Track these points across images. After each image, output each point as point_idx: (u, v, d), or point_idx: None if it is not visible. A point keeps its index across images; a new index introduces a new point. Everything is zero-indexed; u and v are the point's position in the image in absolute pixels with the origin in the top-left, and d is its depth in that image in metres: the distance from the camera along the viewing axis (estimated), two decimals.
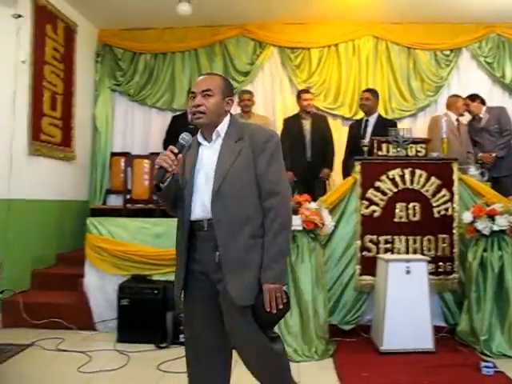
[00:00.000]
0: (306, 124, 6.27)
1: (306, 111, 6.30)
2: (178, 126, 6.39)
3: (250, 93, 6.57)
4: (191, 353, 2.44)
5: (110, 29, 7.38)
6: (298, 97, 6.42)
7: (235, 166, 2.30)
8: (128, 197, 6.15)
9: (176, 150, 2.29)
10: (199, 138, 2.44)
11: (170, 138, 6.41)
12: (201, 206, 2.33)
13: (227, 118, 2.44)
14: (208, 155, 2.39)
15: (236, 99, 6.83)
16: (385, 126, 5.65)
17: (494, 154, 6.03)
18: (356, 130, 6.15)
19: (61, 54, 6.24)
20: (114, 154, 7.27)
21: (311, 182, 6.00)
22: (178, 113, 6.90)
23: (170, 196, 2.40)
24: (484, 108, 6.33)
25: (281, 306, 2.27)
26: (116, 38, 7.41)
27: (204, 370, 2.41)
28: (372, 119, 6.20)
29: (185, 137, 2.34)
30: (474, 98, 6.39)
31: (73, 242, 6.31)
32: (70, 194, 6.57)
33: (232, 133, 2.39)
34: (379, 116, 6.31)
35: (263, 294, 2.25)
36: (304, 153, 6.08)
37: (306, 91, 6.46)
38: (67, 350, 4.31)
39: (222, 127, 2.40)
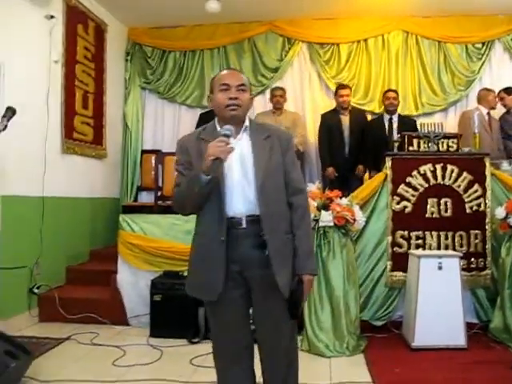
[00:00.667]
0: (345, 120, 6.28)
1: (343, 107, 6.30)
2: (207, 122, 6.42)
3: (282, 89, 6.58)
4: (223, 351, 2.43)
5: (139, 27, 7.46)
6: (336, 92, 6.43)
7: (271, 164, 2.31)
8: (159, 194, 6.21)
9: (229, 141, 2.19)
10: (224, 130, 2.26)
11: None
12: (243, 201, 2.28)
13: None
14: (239, 148, 2.31)
15: (267, 96, 6.87)
16: (406, 124, 5.68)
17: None
18: (377, 128, 6.14)
19: (92, 54, 6.34)
20: (144, 152, 7.37)
21: (349, 178, 6.00)
22: (206, 110, 6.92)
23: (211, 189, 2.24)
24: None
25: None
26: (145, 37, 7.49)
27: (237, 367, 2.40)
28: (395, 117, 6.31)
29: (230, 128, 2.24)
30: (509, 91, 6.28)
31: (105, 238, 6.42)
32: (102, 191, 6.68)
33: (256, 129, 2.41)
34: (399, 115, 6.41)
35: (304, 285, 2.29)
36: (343, 148, 6.07)
37: (344, 87, 6.46)
38: (102, 345, 4.39)
39: (247, 123, 2.42)
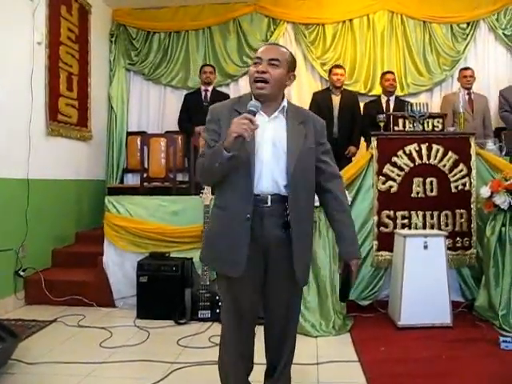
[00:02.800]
0: (335, 100, 6.28)
1: (335, 86, 6.30)
2: (191, 103, 6.43)
3: None
4: (235, 321, 2.40)
5: (123, 8, 7.39)
6: (330, 72, 6.42)
7: (304, 148, 2.29)
8: (145, 175, 6.18)
9: (254, 119, 2.10)
10: (260, 109, 2.21)
11: (184, 116, 6.44)
12: (270, 180, 2.25)
13: (285, 96, 2.38)
14: (272, 129, 2.29)
15: (248, 78, 6.81)
16: (403, 106, 5.69)
17: None
18: (374, 109, 6.13)
19: (75, 35, 6.25)
20: (129, 134, 7.34)
21: (337, 158, 5.99)
22: (191, 91, 6.91)
23: (232, 167, 2.21)
24: None
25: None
26: (130, 18, 7.43)
27: (245, 336, 2.44)
28: (392, 99, 6.37)
29: (256, 104, 2.16)
30: None
31: (91, 220, 6.40)
32: (88, 173, 6.64)
33: (294, 113, 2.35)
34: (397, 97, 6.46)
35: (352, 267, 2.36)
36: (331, 128, 6.06)
37: (338, 66, 6.44)
38: (89, 326, 4.40)
39: (285, 105, 2.33)
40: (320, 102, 6.19)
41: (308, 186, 2.33)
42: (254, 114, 2.14)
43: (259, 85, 2.23)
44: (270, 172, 2.26)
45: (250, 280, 2.30)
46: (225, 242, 2.29)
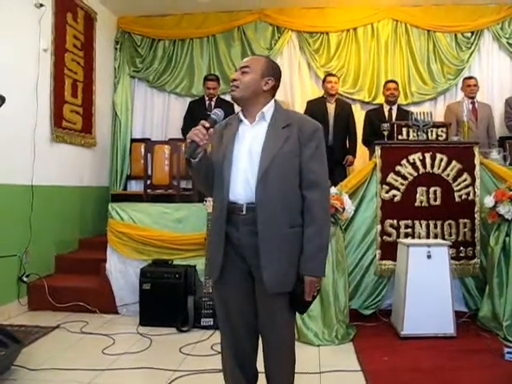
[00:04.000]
0: (330, 108, 6.30)
1: (330, 94, 6.32)
2: (195, 111, 6.44)
3: None
4: (227, 328, 2.44)
5: (128, 16, 7.42)
6: (324, 80, 6.44)
7: (282, 152, 2.26)
8: (148, 182, 6.20)
9: (207, 125, 2.23)
10: (241, 115, 2.40)
11: (188, 123, 6.45)
12: (243, 187, 2.28)
13: (272, 103, 2.40)
14: (251, 135, 2.34)
15: None
16: (405, 115, 5.73)
17: None
18: (376, 118, 6.14)
19: (81, 42, 6.29)
20: (133, 140, 7.35)
21: (331, 167, 6.00)
22: (195, 98, 6.92)
23: (201, 172, 2.34)
24: None
25: (315, 294, 2.33)
26: (135, 25, 7.45)
27: (239, 344, 2.44)
28: (394, 108, 6.37)
29: (217, 112, 2.30)
30: None
31: (94, 227, 6.41)
32: (91, 180, 6.65)
33: (279, 118, 2.35)
34: (399, 106, 6.47)
35: (304, 285, 2.26)
36: (326, 136, 6.05)
37: (332, 74, 6.49)
38: (91, 333, 4.39)
39: (268, 110, 2.37)
40: (315, 110, 6.18)
41: (286, 190, 2.27)
42: (215, 121, 2.28)
43: (231, 89, 2.39)
44: (245, 180, 2.29)
45: (236, 287, 2.36)
46: (211, 247, 2.44)
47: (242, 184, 2.28)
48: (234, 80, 2.36)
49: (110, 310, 5.00)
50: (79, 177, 6.28)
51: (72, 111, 6.06)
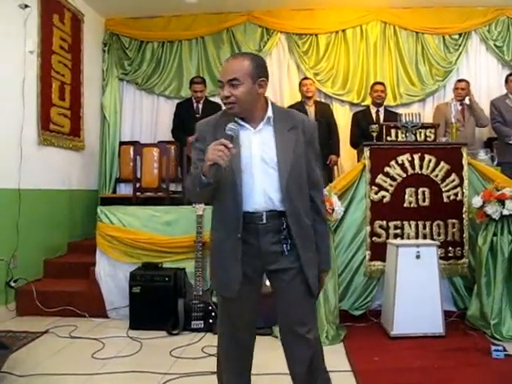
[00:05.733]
0: (310, 111, 6.32)
1: (307, 97, 6.38)
2: (184, 113, 6.44)
3: None
4: (229, 337, 2.43)
5: (116, 18, 7.39)
6: (300, 84, 6.53)
7: (295, 157, 2.23)
8: (137, 185, 6.18)
9: (231, 145, 2.06)
10: (240, 121, 2.25)
11: (177, 126, 6.45)
12: (263, 197, 2.22)
13: (269, 102, 2.31)
14: (259, 142, 2.25)
15: None
16: (392, 116, 5.76)
17: None
18: (363, 120, 6.16)
19: (68, 44, 6.25)
20: (122, 143, 7.33)
21: None
22: (182, 100, 6.92)
23: (210, 193, 2.25)
24: None
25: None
26: (123, 27, 7.42)
27: (239, 352, 2.44)
28: (381, 109, 6.41)
29: (233, 127, 2.13)
30: None
31: (83, 230, 6.38)
32: (80, 183, 6.62)
33: (281, 119, 2.28)
34: (386, 108, 6.49)
35: (321, 278, 2.39)
36: None
37: (306, 78, 6.61)
38: (81, 337, 4.36)
39: (270, 113, 2.27)
40: None
41: (303, 194, 2.29)
42: (232, 137, 2.12)
43: (228, 107, 2.23)
44: (262, 188, 2.22)
45: (245, 300, 2.31)
46: (219, 262, 2.31)
47: (261, 193, 2.22)
48: (227, 97, 2.20)
49: (100, 313, 4.96)
50: (67, 180, 6.24)
51: (60, 114, 6.02)
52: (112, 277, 5.02)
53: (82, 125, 6.63)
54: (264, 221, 2.23)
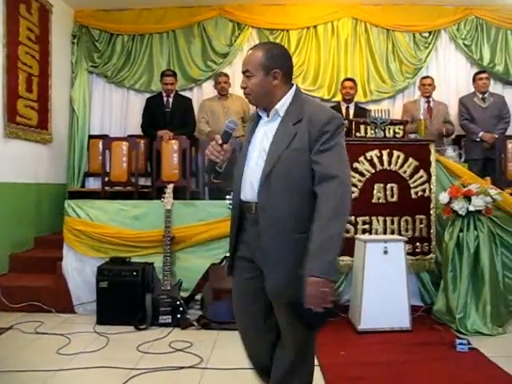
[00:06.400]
0: None
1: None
2: (154, 108, 6.39)
3: (225, 75, 6.62)
4: (238, 323, 2.44)
5: (86, 9, 7.27)
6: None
7: (289, 151, 2.10)
8: (106, 179, 6.11)
9: (220, 141, 2.23)
10: (259, 111, 2.30)
11: (147, 120, 6.40)
12: (250, 187, 2.20)
13: (290, 93, 2.23)
14: (263, 132, 2.25)
15: (212, 82, 6.84)
16: (362, 112, 5.79)
17: (496, 135, 6.14)
18: None
19: (36, 35, 6.13)
20: (91, 137, 7.22)
21: None
22: (153, 94, 6.86)
23: (230, 178, 2.33)
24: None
25: (328, 305, 1.95)
26: (92, 19, 7.31)
27: (251, 340, 2.41)
28: (352, 106, 6.47)
29: (229, 124, 2.26)
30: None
31: (51, 225, 6.27)
32: (48, 177, 6.51)
33: (293, 113, 2.18)
34: (356, 104, 6.56)
35: (305, 287, 1.95)
36: None
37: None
38: (46, 333, 4.29)
39: (283, 105, 2.21)
40: None
41: (293, 191, 2.11)
42: (229, 134, 2.25)
43: (246, 97, 2.28)
44: (251, 177, 2.21)
45: (246, 286, 2.31)
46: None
47: (249, 184, 2.22)
48: (244, 88, 2.25)
49: (67, 309, 4.89)
50: (34, 174, 6.13)
51: (27, 106, 5.91)
52: (79, 272, 4.96)
53: (49, 117, 6.52)
54: (253, 212, 2.20)
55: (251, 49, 2.28)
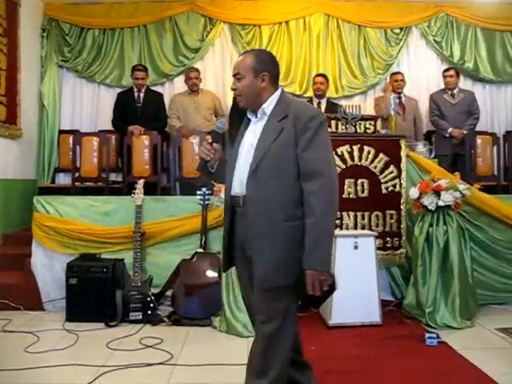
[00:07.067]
0: None
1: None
2: (125, 103, 6.33)
3: (196, 70, 6.57)
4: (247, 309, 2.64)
5: (55, 3, 7.16)
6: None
7: (275, 145, 2.26)
8: (77, 175, 6.04)
9: (210, 141, 2.45)
10: (248, 113, 2.48)
11: (118, 115, 6.34)
12: (238, 181, 2.36)
13: (276, 95, 2.42)
14: (252, 131, 2.42)
15: (184, 77, 6.79)
16: (334, 108, 5.80)
17: (465, 131, 6.21)
18: None
19: (3, 28, 6.02)
20: (62, 132, 7.13)
21: None
22: (124, 89, 6.79)
23: (222, 176, 2.52)
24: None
25: (325, 288, 2.21)
26: (62, 13, 7.19)
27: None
28: (323, 101, 6.48)
29: (218, 125, 2.48)
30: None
31: (20, 221, 6.16)
32: (17, 172, 6.39)
33: (278, 111, 2.36)
34: (328, 99, 6.55)
35: (306, 278, 2.17)
36: None
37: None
38: (14, 331, 4.23)
39: (269, 105, 2.39)
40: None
41: (280, 183, 2.24)
42: (218, 134, 2.47)
43: (237, 99, 2.45)
44: (239, 173, 2.37)
45: (244, 276, 2.49)
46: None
47: (238, 179, 2.38)
48: (234, 90, 2.42)
49: (36, 306, 4.83)
50: (3, 169, 6.01)
51: None
52: (48, 268, 4.91)
53: (18, 112, 6.40)
54: (241, 205, 2.36)
55: (242, 54, 2.49)
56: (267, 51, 2.57)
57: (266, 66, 2.38)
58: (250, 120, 2.48)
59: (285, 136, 2.26)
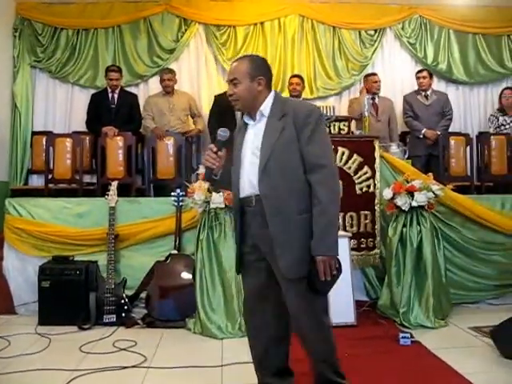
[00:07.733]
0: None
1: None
2: (99, 104, 6.27)
3: (171, 72, 6.53)
4: (249, 323, 2.73)
5: (28, 2, 7.08)
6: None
7: (279, 143, 2.39)
8: (50, 177, 5.97)
9: (215, 149, 2.51)
10: (245, 118, 2.58)
11: (92, 117, 6.28)
12: (248, 183, 2.47)
13: (271, 96, 2.53)
14: (253, 134, 2.52)
15: (158, 78, 6.76)
16: None
17: (438, 132, 6.27)
18: None
19: None
20: (35, 133, 7.04)
21: None
22: (98, 90, 6.71)
23: (227, 182, 2.62)
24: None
25: (334, 273, 2.39)
26: (35, 12, 7.11)
27: (260, 342, 2.69)
28: None
29: (221, 133, 2.52)
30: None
31: None
32: None
33: (276, 111, 2.48)
34: (303, 99, 6.53)
35: (317, 265, 2.34)
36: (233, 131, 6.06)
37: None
38: None
39: (266, 106, 2.51)
40: (223, 103, 6.15)
41: (290, 178, 2.39)
42: (222, 142, 2.52)
43: (233, 104, 2.55)
44: (248, 174, 2.48)
45: (255, 275, 2.59)
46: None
47: (247, 180, 2.48)
48: (231, 95, 2.52)
49: (7, 310, 4.75)
50: None
51: None
52: (21, 271, 4.85)
53: None
54: (253, 204, 2.47)
55: (236, 60, 2.58)
56: (260, 56, 2.67)
57: (261, 71, 2.51)
58: (246, 124, 2.58)
59: (287, 133, 2.40)
